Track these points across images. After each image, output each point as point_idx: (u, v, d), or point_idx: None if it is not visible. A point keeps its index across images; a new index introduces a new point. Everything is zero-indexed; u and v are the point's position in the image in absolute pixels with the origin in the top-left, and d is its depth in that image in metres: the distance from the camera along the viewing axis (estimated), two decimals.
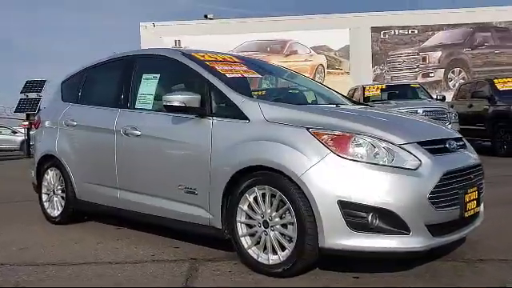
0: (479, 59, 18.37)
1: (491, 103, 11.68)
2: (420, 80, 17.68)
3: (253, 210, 3.19)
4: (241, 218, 3.26)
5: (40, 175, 5.13)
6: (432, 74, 18.51)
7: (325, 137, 2.97)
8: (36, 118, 5.39)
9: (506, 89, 11.94)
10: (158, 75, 4.05)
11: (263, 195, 3.14)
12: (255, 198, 3.18)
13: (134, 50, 4.47)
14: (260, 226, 3.15)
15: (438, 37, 18.68)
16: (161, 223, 3.90)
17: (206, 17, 18.78)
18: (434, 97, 11.92)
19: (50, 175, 5.00)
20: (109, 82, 4.68)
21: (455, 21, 18.64)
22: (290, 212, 3.00)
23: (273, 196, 3.09)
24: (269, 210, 3.11)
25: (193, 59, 3.88)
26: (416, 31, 18.71)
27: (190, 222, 3.60)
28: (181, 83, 4.08)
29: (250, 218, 3.22)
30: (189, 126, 3.58)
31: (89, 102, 4.73)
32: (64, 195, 4.82)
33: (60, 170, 4.84)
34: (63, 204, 4.84)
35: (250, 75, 4.11)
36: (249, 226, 3.24)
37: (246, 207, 3.23)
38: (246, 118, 3.31)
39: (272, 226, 3.09)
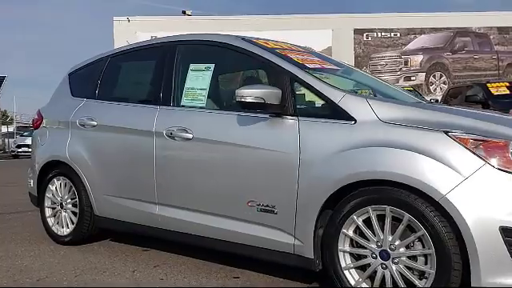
0: (459, 63, 18.36)
1: (486, 108, 11.44)
2: (402, 83, 17.45)
3: (363, 236, 2.51)
4: (344, 245, 2.57)
5: (42, 185, 4.25)
6: (414, 78, 18.33)
7: (472, 143, 2.32)
8: (36, 115, 4.48)
9: (500, 93, 11.75)
10: (212, 66, 3.29)
11: (379, 217, 2.46)
12: (367, 221, 2.50)
13: (173, 36, 3.68)
14: (375, 258, 2.47)
15: (419, 40, 18.55)
16: (220, 248, 3.16)
17: (184, 12, 17.89)
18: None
19: (57, 185, 4.15)
20: (140, 73, 3.89)
21: (437, 24, 18.55)
22: (423, 241, 2.34)
23: (395, 219, 2.42)
24: (389, 237, 2.43)
25: (261, 46, 3.16)
26: (398, 34, 18.52)
27: (263, 249, 2.88)
28: (246, 75, 3.35)
29: (359, 246, 2.54)
30: (264, 127, 2.87)
31: (111, 98, 3.91)
32: (76, 210, 3.97)
33: (71, 180, 4.00)
34: (75, 221, 3.99)
35: (329, 67, 3.42)
36: (356, 256, 2.56)
37: (351, 232, 2.55)
38: (351, 119, 2.62)
39: (395, 258, 2.42)
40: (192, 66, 3.39)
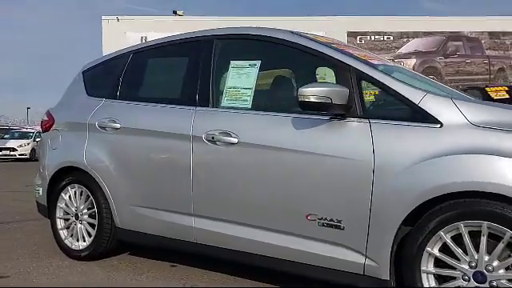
0: (451, 67, 18.26)
1: None
2: None
3: (452, 255, 2.21)
4: (428, 265, 2.26)
5: (53, 194, 3.85)
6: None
7: None
8: (45, 116, 4.07)
9: (500, 98, 11.67)
10: (258, 63, 2.95)
11: (472, 234, 2.16)
12: (456, 238, 2.20)
13: (208, 30, 3.31)
14: (468, 280, 2.17)
15: (412, 44, 18.39)
16: (270, 266, 2.81)
17: (175, 13, 17.42)
18: None
19: (71, 194, 3.75)
20: (170, 70, 3.52)
21: (430, 28, 18.48)
22: None
23: (493, 237, 2.12)
24: (486, 257, 2.13)
25: (319, 42, 2.84)
26: (391, 37, 18.35)
27: (325, 268, 2.55)
28: (299, 73, 3.03)
29: (447, 266, 2.23)
30: (327, 130, 2.55)
31: (136, 98, 3.53)
32: (94, 222, 3.59)
33: (88, 188, 3.61)
34: (93, 233, 3.61)
35: (390, 64, 3.12)
36: (443, 278, 2.25)
37: (436, 251, 2.24)
38: (435, 122, 2.31)
39: (493, 281, 2.11)
40: (233, 63, 3.05)
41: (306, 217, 2.57)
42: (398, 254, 2.36)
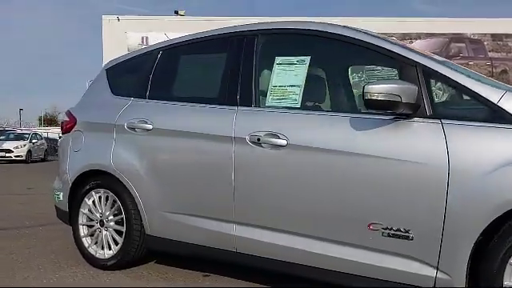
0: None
1: None
2: None
3: None
4: (511, 280, 2.07)
5: (76, 199, 3.62)
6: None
7: None
8: (66, 117, 3.84)
9: None
10: (307, 59, 2.75)
11: None
12: None
13: (250, 24, 3.09)
14: None
15: (415, 45, 18.32)
16: (323, 278, 2.60)
17: (176, 13, 17.18)
18: None
19: (95, 199, 3.52)
20: (206, 68, 3.31)
21: (432, 30, 18.37)
22: None
23: None
24: None
25: (378, 36, 2.64)
26: (394, 39, 18.26)
27: (388, 282, 2.35)
28: (356, 70, 2.82)
29: None
30: (392, 131, 2.35)
31: (169, 97, 3.32)
32: (121, 228, 3.36)
33: (115, 193, 3.39)
34: (120, 241, 3.38)
35: (450, 61, 2.93)
36: None
37: None
38: None
39: None
40: (278, 60, 2.84)
41: (368, 226, 2.37)
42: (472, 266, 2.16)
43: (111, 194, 3.42)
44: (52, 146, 28.18)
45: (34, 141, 23.07)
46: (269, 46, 2.95)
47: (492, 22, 18.81)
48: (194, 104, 3.12)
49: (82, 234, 3.59)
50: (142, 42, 16.65)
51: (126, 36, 16.29)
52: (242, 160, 2.78)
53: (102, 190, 3.48)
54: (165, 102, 3.27)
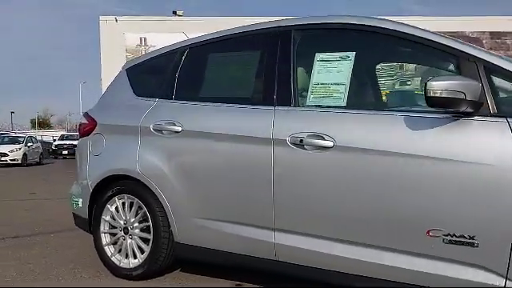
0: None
1: None
2: (398, 88, 17.05)
3: None
4: None
5: (97, 206, 3.45)
6: (409, 83, 17.95)
7: None
8: (84, 119, 3.66)
9: None
10: (352, 55, 2.60)
11: None
12: None
13: (283, 20, 2.93)
14: None
15: None
16: None
17: (174, 13, 16.98)
18: None
19: (119, 206, 3.36)
20: (238, 66, 3.15)
21: (432, 28, 18.32)
22: None
23: None
24: None
25: (432, 32, 2.50)
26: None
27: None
28: (408, 67, 2.67)
29: None
30: (453, 131, 2.20)
31: (198, 98, 3.16)
32: (148, 236, 3.20)
33: (141, 199, 3.22)
34: (147, 249, 3.21)
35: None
36: None
37: None
38: None
39: None
40: (319, 56, 2.69)
41: (427, 233, 2.22)
42: None
43: (136, 199, 3.25)
44: (46, 149, 27.84)
45: (29, 144, 22.74)
46: (307, 42, 2.81)
47: (490, 20, 18.80)
48: (226, 104, 2.95)
49: (104, 243, 3.42)
50: (141, 42, 16.47)
51: (124, 37, 16.10)
52: (282, 163, 2.62)
53: (125, 196, 3.31)
54: (194, 102, 3.10)
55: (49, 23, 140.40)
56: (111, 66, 16.13)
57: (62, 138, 34.03)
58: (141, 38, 16.31)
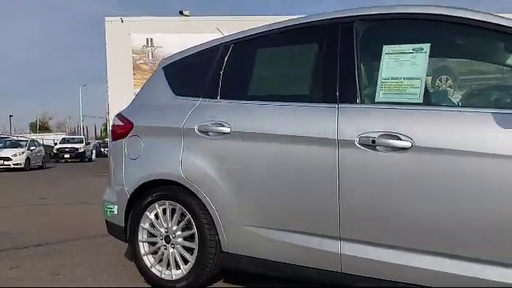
0: (464, 67, 17.98)
1: None
2: None
3: None
4: None
5: (135, 213, 3.22)
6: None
7: None
8: (118, 121, 3.44)
9: None
10: (427, 46, 2.37)
11: None
12: None
13: (343, 11, 2.72)
14: None
15: None
16: None
17: (181, 13, 16.77)
18: None
19: (159, 212, 3.13)
20: (291, 61, 2.92)
21: None
22: None
23: None
24: None
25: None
26: None
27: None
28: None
29: None
30: None
31: (246, 96, 2.94)
32: (192, 245, 2.97)
33: (184, 205, 3.00)
34: (191, 259, 2.99)
35: None
36: None
37: None
38: None
39: None
40: (387, 49, 2.46)
41: None
42: None
43: (179, 206, 3.03)
44: (48, 153, 27.59)
45: (32, 148, 22.48)
46: (372, 34, 2.59)
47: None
48: (279, 103, 2.73)
49: (142, 252, 3.20)
50: (147, 43, 16.28)
51: (130, 38, 15.90)
52: (349, 165, 2.40)
53: (167, 202, 3.08)
54: (243, 101, 2.88)
55: (47, 25, 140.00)
56: (117, 68, 15.94)
57: (64, 141, 33.82)
58: (147, 39, 16.13)
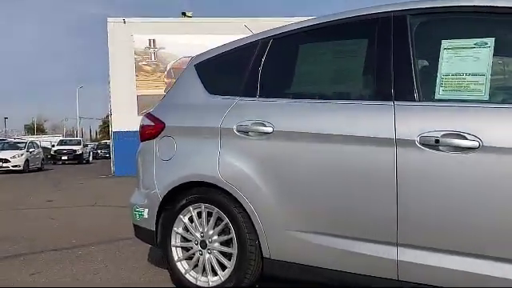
0: None
1: None
2: None
3: None
4: None
5: (166, 216, 3.08)
6: None
7: None
8: (148, 120, 3.29)
9: None
10: (491, 41, 2.25)
11: None
12: None
13: (394, 4, 2.57)
14: None
15: None
16: None
17: (184, 14, 16.63)
18: None
19: (194, 216, 2.99)
20: (339, 57, 2.77)
21: None
22: None
23: None
24: None
25: None
26: None
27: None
28: None
29: None
30: None
31: (289, 94, 2.81)
32: (229, 250, 2.83)
33: (222, 208, 2.86)
34: (230, 265, 2.85)
35: None
36: None
37: None
38: None
39: None
40: (446, 43, 2.33)
41: None
42: None
43: (216, 209, 2.88)
44: (45, 155, 27.33)
45: (31, 149, 22.25)
46: (428, 28, 2.46)
47: None
48: (326, 101, 2.60)
49: (175, 258, 3.05)
50: (150, 44, 16.12)
51: (133, 39, 15.73)
52: (409, 166, 2.27)
53: (203, 205, 2.94)
54: (286, 99, 2.74)
55: (43, 27, 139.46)
56: (119, 69, 15.77)
57: (61, 143, 33.57)
58: (149, 40, 15.97)
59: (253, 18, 15.84)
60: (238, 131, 2.80)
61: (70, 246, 4.57)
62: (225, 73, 3.15)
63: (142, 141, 3.35)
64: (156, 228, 3.14)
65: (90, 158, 34.61)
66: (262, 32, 3.07)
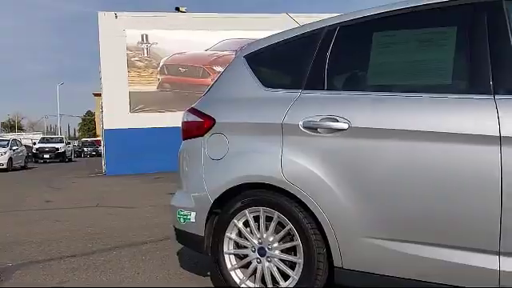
0: None
1: None
2: None
3: None
4: None
5: (218, 221, 2.81)
6: None
7: None
8: (195, 116, 3.01)
9: None
10: None
11: None
12: None
13: None
14: None
15: None
16: None
17: (177, 9, 16.24)
18: None
19: (249, 220, 2.73)
20: (424, 46, 2.51)
21: None
22: None
23: None
24: None
25: None
26: None
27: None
28: None
29: None
30: None
31: (362, 87, 2.57)
32: (296, 259, 2.58)
33: (283, 212, 2.60)
34: (294, 275, 2.60)
35: None
36: None
37: None
38: None
39: None
40: None
41: None
42: None
43: (277, 213, 2.63)
44: (27, 153, 26.59)
45: (14, 148, 21.60)
46: None
47: None
48: (411, 94, 2.36)
49: (229, 266, 2.79)
50: (142, 40, 15.70)
51: (125, 33, 15.29)
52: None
53: (261, 209, 2.68)
54: (361, 92, 2.50)
55: (19, 24, 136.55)
56: (111, 65, 15.32)
57: (43, 140, 32.78)
58: (142, 35, 15.55)
59: (250, 13, 15.61)
60: (305, 128, 2.54)
61: (89, 252, 4.26)
62: (282, 64, 2.90)
63: (184, 139, 3.07)
64: (206, 234, 2.87)
65: (73, 157, 33.89)
66: (321, 20, 2.82)
